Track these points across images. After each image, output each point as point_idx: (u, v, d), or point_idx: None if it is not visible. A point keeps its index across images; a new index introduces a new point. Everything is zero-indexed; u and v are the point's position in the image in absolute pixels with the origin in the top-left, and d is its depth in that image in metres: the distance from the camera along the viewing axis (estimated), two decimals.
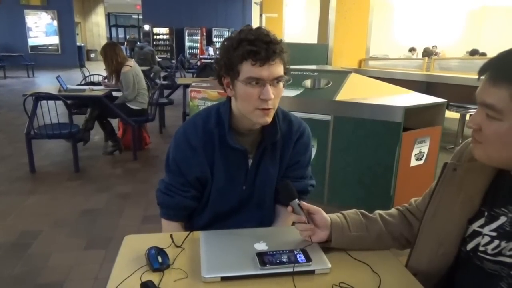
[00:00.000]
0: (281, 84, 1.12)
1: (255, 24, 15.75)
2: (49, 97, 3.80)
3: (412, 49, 11.92)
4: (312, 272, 0.93)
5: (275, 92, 1.11)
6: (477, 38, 14.62)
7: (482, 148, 0.83)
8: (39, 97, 3.83)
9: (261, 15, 12.53)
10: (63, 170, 3.99)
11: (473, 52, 9.87)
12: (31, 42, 16.04)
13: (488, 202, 0.90)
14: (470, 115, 0.91)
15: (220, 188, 1.27)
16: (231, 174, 1.26)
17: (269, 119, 1.15)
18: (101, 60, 4.35)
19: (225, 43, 1.14)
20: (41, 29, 16.09)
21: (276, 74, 1.09)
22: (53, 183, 3.64)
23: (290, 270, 0.91)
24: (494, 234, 0.87)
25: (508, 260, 0.84)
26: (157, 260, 0.95)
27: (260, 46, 1.05)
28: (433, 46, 12.93)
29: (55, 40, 16.26)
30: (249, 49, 1.05)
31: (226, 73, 1.13)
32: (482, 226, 0.90)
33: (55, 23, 16.08)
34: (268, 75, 1.07)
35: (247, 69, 1.07)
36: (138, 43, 10.69)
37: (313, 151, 2.72)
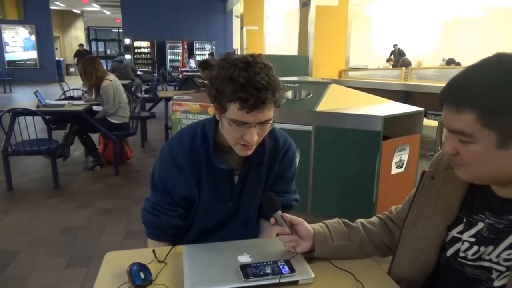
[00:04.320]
0: (268, 125, 1.10)
1: (236, 37, 15.90)
2: (26, 112, 3.73)
3: (389, 59, 12.20)
4: (296, 282, 0.93)
5: (260, 132, 1.09)
6: (452, 47, 15.10)
7: (464, 170, 0.84)
8: (16, 113, 3.75)
9: (242, 28, 12.65)
10: (42, 187, 3.89)
11: (449, 62, 10.18)
12: (8, 57, 15.73)
13: (466, 208, 0.92)
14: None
15: (206, 205, 1.26)
16: (217, 192, 1.25)
17: (249, 152, 1.14)
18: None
19: (218, 67, 1.07)
20: (18, 43, 15.80)
21: (263, 119, 1.06)
22: (31, 201, 3.55)
23: (274, 281, 0.91)
24: (473, 240, 0.88)
25: (487, 264, 0.85)
26: (139, 276, 0.93)
27: (251, 93, 1.00)
28: (394, 45, 13.37)
29: (33, 54, 15.99)
30: (238, 95, 1.00)
31: (214, 101, 1.10)
32: (461, 232, 0.91)
33: (33, 37, 15.82)
34: (255, 120, 1.05)
35: (234, 111, 1.03)
36: (118, 57, 10.60)
37: (296, 162, 2.73)
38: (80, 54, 14.82)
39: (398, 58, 13.13)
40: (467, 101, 0.77)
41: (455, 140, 0.82)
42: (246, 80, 1.00)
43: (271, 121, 1.09)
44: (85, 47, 21.84)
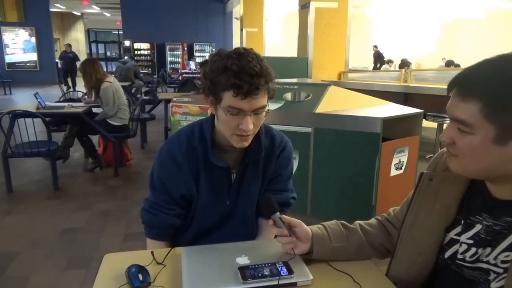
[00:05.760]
0: (263, 113, 1.11)
1: (236, 39, 15.92)
2: (26, 114, 3.73)
3: (389, 61, 12.21)
4: (294, 284, 0.93)
5: (255, 121, 1.10)
6: (451, 49, 15.13)
7: (457, 161, 0.85)
8: (16, 115, 3.75)
9: (241, 29, 12.68)
10: (42, 189, 3.89)
11: (449, 63, 10.19)
12: (8, 59, 15.76)
13: (464, 210, 0.92)
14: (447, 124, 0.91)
15: (204, 203, 1.27)
16: (215, 190, 1.26)
17: (246, 144, 1.16)
18: (81, 76, 4.31)
19: (211, 62, 1.10)
20: (18, 45, 15.83)
21: (258, 106, 1.08)
22: (31, 203, 3.55)
23: (272, 283, 0.91)
24: (470, 241, 0.89)
25: (485, 266, 0.86)
26: (138, 278, 0.93)
27: (244, 79, 1.02)
28: (374, 46, 13.35)
29: (33, 56, 16.01)
30: (232, 81, 1.03)
31: (209, 94, 1.12)
32: (459, 234, 0.92)
33: (33, 39, 15.86)
34: (249, 107, 1.06)
35: (229, 99, 1.06)
36: (124, 58, 10.59)
37: (295, 163, 2.74)
38: (67, 57, 13.22)
39: (376, 61, 13.01)
40: (474, 91, 0.77)
41: (454, 129, 0.82)
42: (239, 68, 1.03)
43: (265, 109, 1.11)
44: (85, 49, 21.78)
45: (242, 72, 1.03)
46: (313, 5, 6.04)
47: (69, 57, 12.98)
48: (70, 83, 13.25)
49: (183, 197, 1.26)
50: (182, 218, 1.30)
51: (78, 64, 12.63)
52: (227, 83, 1.04)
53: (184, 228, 1.32)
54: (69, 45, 14.04)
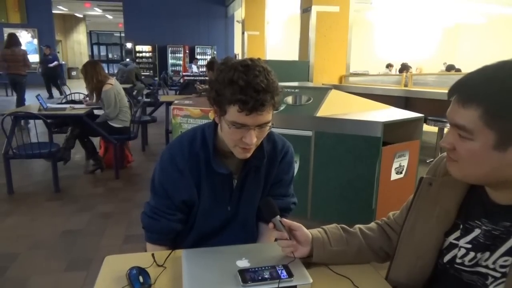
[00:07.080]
0: (267, 127, 1.11)
1: (237, 42, 15.93)
2: (28, 116, 3.74)
3: (389, 65, 12.21)
4: (294, 287, 0.94)
5: (259, 134, 1.10)
6: (452, 53, 15.15)
7: (457, 166, 0.85)
8: (18, 116, 3.76)
9: (243, 33, 12.71)
10: (43, 190, 3.90)
11: (449, 68, 10.20)
12: None
13: (463, 215, 0.93)
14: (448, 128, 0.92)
15: (206, 209, 1.27)
16: (216, 196, 1.26)
17: (248, 155, 1.15)
18: (83, 78, 4.33)
19: (217, 71, 1.09)
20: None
21: (262, 122, 1.07)
22: (32, 204, 3.55)
23: (272, 286, 0.92)
24: (469, 246, 0.89)
25: (484, 270, 0.86)
26: (139, 280, 0.94)
27: (250, 95, 1.01)
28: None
29: (35, 58, 16.02)
30: (238, 97, 1.01)
31: (214, 104, 1.11)
32: (458, 239, 0.92)
33: (35, 41, 15.90)
34: (254, 122, 1.06)
35: (234, 114, 1.05)
36: (126, 60, 10.57)
37: (296, 167, 2.74)
38: (46, 61, 11.64)
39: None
40: (474, 97, 0.78)
41: (454, 135, 0.83)
42: (246, 83, 1.02)
43: (269, 124, 1.11)
44: (87, 51, 21.78)
45: (248, 87, 1.01)
46: (314, 9, 6.06)
47: (48, 61, 11.65)
48: (56, 91, 11.70)
49: (184, 203, 1.26)
50: (183, 223, 1.30)
51: (62, 67, 11.86)
52: (232, 97, 1.02)
53: (184, 233, 1.33)
54: (49, 47, 12.15)
